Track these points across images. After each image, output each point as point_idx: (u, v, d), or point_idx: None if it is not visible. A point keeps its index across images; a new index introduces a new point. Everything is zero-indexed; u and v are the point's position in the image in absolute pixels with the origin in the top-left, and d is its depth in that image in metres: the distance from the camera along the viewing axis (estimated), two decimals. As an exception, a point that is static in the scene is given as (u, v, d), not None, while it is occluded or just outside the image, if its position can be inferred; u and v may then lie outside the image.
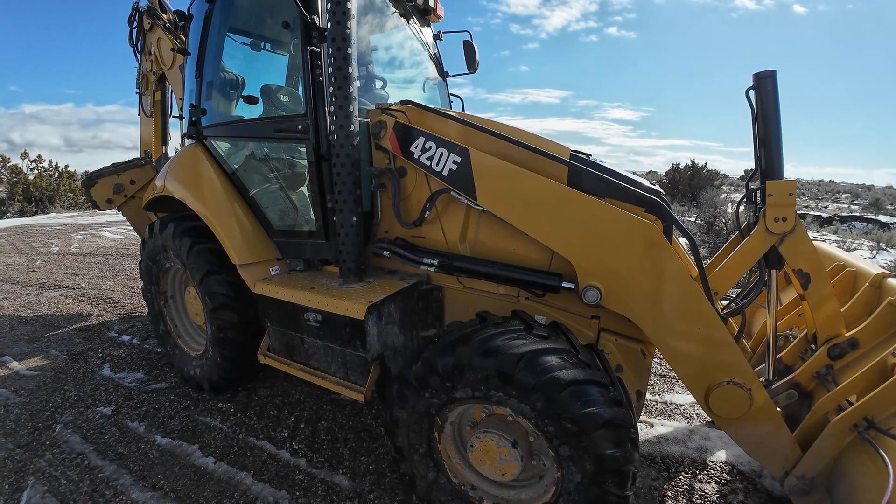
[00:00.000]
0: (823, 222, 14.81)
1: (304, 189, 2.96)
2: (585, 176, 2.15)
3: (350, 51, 2.31)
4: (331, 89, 2.35)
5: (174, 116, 4.38)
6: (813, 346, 2.42)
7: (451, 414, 2.02)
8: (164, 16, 4.59)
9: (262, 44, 3.84)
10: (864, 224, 14.99)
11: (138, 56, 5.03)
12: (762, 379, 2.39)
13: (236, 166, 3.07)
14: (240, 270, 2.82)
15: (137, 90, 5.21)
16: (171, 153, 5.13)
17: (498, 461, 1.86)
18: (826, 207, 19.81)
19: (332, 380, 2.50)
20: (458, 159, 2.30)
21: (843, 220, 15.73)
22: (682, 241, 2.84)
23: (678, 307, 1.96)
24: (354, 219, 2.49)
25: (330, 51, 2.31)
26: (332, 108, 2.37)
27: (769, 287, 2.29)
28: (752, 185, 2.32)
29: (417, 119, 2.52)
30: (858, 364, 2.15)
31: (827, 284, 2.27)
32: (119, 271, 7.19)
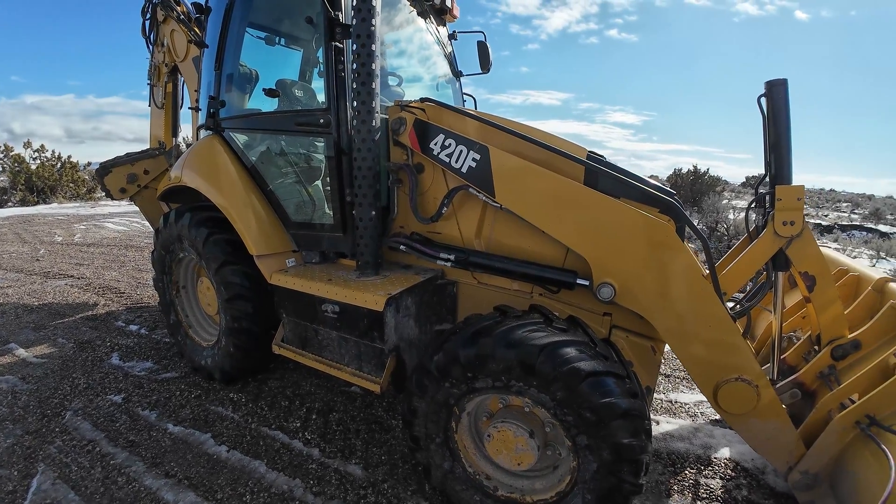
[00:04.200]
0: (824, 230, 14.91)
1: (320, 183, 3.01)
2: (602, 176, 2.21)
3: (374, 48, 2.36)
4: (354, 85, 2.39)
5: (189, 108, 4.40)
6: (816, 347, 2.48)
7: (469, 404, 2.07)
8: (178, 7, 4.62)
9: (278, 39, 3.88)
10: (864, 233, 15.10)
11: (150, 47, 5.05)
12: (767, 378, 2.45)
13: (254, 158, 3.11)
14: (257, 261, 2.86)
15: (149, 81, 5.23)
16: (182, 145, 5.17)
17: (514, 451, 1.91)
18: (827, 216, 19.93)
19: (348, 371, 2.54)
20: (478, 157, 2.35)
21: (843, 228, 15.83)
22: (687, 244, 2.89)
23: (689, 306, 2.02)
24: (373, 213, 2.53)
25: (354, 47, 2.36)
26: (354, 103, 2.41)
27: (775, 289, 2.35)
28: (762, 190, 2.37)
29: (436, 116, 2.57)
30: (861, 365, 2.20)
31: (832, 287, 2.33)
32: (124, 262, 7.20)
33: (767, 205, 2.27)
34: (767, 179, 2.27)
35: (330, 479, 2.49)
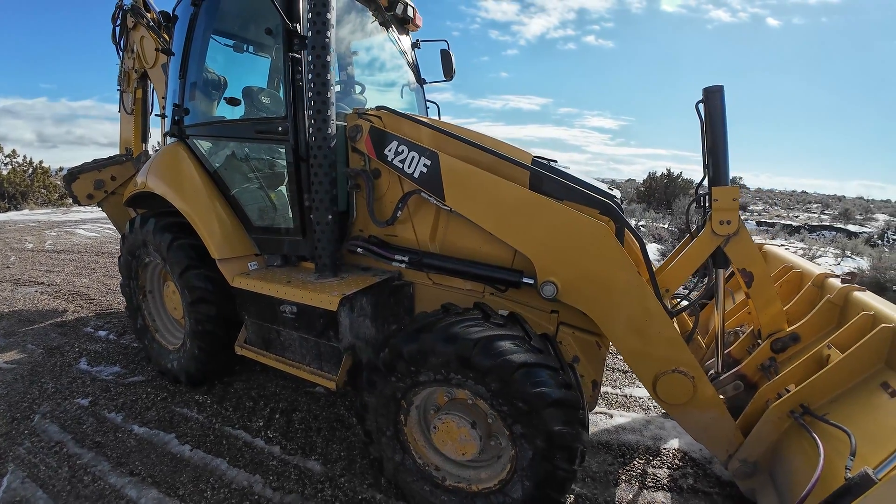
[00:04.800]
0: (792, 231, 15.39)
1: (282, 188, 3.08)
2: (546, 180, 2.33)
3: (329, 59, 2.45)
4: (310, 94, 2.49)
5: (156, 115, 4.44)
6: (759, 340, 2.62)
7: (417, 398, 2.17)
8: (148, 14, 4.66)
9: (246, 46, 3.95)
10: (833, 233, 15.62)
11: (120, 53, 5.07)
12: (712, 372, 2.58)
13: (217, 165, 3.17)
14: (219, 265, 2.92)
15: (119, 87, 5.25)
16: (151, 151, 5.18)
17: (458, 441, 2.01)
18: (797, 217, 20.54)
19: (307, 369, 2.62)
20: (429, 162, 2.45)
21: (812, 229, 16.34)
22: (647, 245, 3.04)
23: (626, 302, 2.13)
24: (330, 217, 2.62)
25: (310, 58, 2.45)
26: (310, 112, 2.50)
27: (716, 285, 2.49)
28: (701, 191, 2.52)
29: (392, 124, 2.67)
30: (799, 356, 2.29)
31: (769, 283, 2.48)
32: (94, 269, 7.14)
33: (706, 205, 2.41)
34: (705, 181, 2.42)
35: (289, 475, 2.56)
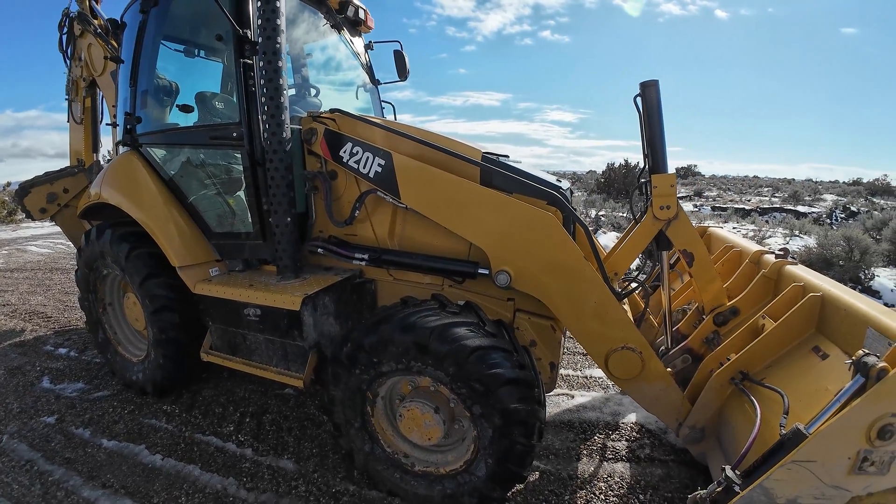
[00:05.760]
0: (744, 214, 16.12)
1: (240, 193, 3.10)
2: (496, 175, 2.45)
3: (280, 64, 2.50)
4: (263, 99, 2.53)
5: (107, 124, 4.35)
6: (703, 316, 2.81)
7: (381, 388, 2.26)
8: (96, 21, 4.55)
9: (197, 51, 3.92)
10: (783, 214, 16.43)
11: (68, 62, 4.93)
12: (662, 348, 2.76)
13: (173, 172, 3.16)
14: (180, 272, 2.92)
15: (67, 96, 5.10)
16: (102, 161, 5.06)
17: (423, 427, 2.11)
18: (749, 200, 21.48)
19: (274, 370, 2.67)
20: (383, 162, 2.54)
21: (763, 212, 17.15)
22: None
23: (575, 287, 2.27)
24: (289, 219, 2.66)
25: (261, 63, 2.49)
26: (264, 117, 2.54)
27: (661, 265, 2.67)
28: (643, 179, 2.69)
29: (346, 126, 2.74)
30: (739, 328, 2.47)
31: (709, 262, 2.66)
32: (49, 286, 6.90)
33: (647, 192, 2.58)
34: (646, 170, 2.59)
35: (262, 475, 2.60)
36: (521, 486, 2.43)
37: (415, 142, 2.57)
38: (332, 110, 2.80)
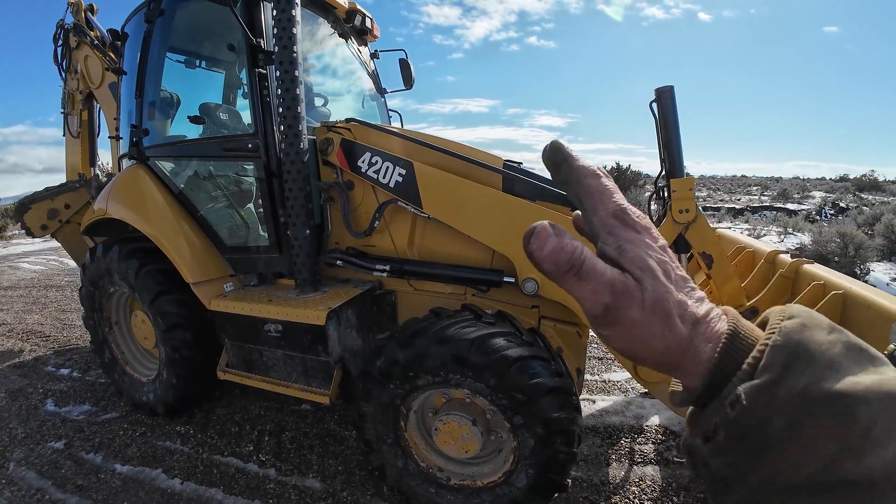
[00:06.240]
0: (737, 213, 16.31)
1: (252, 205, 3.04)
2: (517, 182, 2.43)
3: (297, 73, 2.45)
4: (280, 110, 2.48)
5: (110, 137, 4.25)
6: (722, 317, 2.82)
7: (415, 402, 2.20)
8: (92, 33, 4.47)
9: (198, 62, 3.85)
10: (774, 213, 16.65)
11: (63, 74, 4.83)
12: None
13: (182, 185, 3.09)
14: (194, 289, 2.84)
15: (62, 110, 4.99)
16: (101, 175, 4.95)
17: (460, 440, 2.06)
18: (739, 200, 21.76)
19: (297, 387, 2.59)
20: (404, 171, 2.50)
21: (754, 210, 17.37)
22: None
23: None
24: (308, 231, 2.61)
25: (278, 73, 2.44)
26: (282, 127, 2.49)
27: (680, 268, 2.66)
28: (660, 184, 2.69)
29: (362, 135, 2.69)
30: None
31: (727, 263, 2.67)
32: (45, 304, 6.73)
33: (665, 196, 2.58)
34: (663, 174, 2.59)
35: (289, 496, 2.53)
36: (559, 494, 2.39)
37: (434, 150, 2.54)
38: (349, 120, 2.76)
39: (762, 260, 2.93)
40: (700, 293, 0.40)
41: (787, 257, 2.71)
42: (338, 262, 2.76)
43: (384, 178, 2.55)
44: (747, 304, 2.68)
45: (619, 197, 0.41)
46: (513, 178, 2.43)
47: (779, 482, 0.33)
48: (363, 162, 2.61)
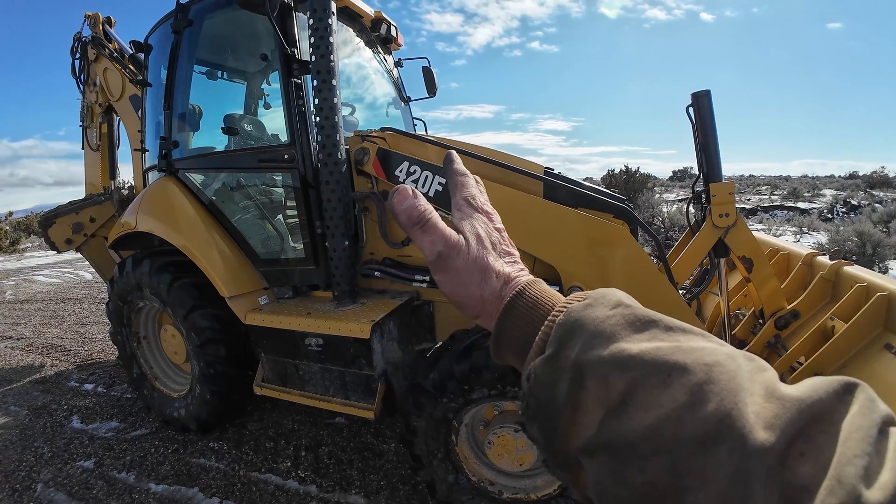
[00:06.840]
0: (749, 213, 16.19)
1: (287, 217, 3.00)
2: (559, 189, 2.39)
3: (335, 82, 2.42)
4: (317, 119, 2.44)
5: (135, 150, 4.23)
6: (761, 320, 2.76)
7: (466, 416, 2.15)
8: (111, 45, 4.47)
9: (220, 73, 3.84)
10: (785, 212, 16.53)
11: (81, 87, 4.83)
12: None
13: (214, 198, 3.06)
14: (229, 303, 2.80)
15: (81, 123, 5.00)
16: (124, 188, 4.93)
17: (515, 452, 2.01)
18: (749, 200, 21.61)
19: (338, 402, 2.54)
20: (444, 181, 2.45)
21: (765, 210, 17.25)
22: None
23: (649, 297, 2.21)
24: (346, 242, 2.57)
25: (315, 83, 2.41)
26: (319, 137, 2.46)
27: (720, 274, 2.62)
28: (698, 188, 2.64)
29: (397, 144, 2.65)
30: (801, 331, 2.46)
31: (767, 266, 2.63)
32: (63, 317, 6.72)
33: (704, 201, 2.54)
34: (702, 178, 2.54)
35: (331, 513, 2.48)
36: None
37: (473, 158, 2.49)
38: (383, 129, 2.72)
39: (799, 262, 2.88)
40: (521, 266, 0.51)
41: (825, 259, 2.66)
42: (376, 273, 2.71)
43: (423, 187, 2.51)
44: (788, 306, 2.63)
45: (474, 191, 0.55)
46: (554, 185, 2.38)
47: (572, 445, 0.36)
48: (401, 171, 2.56)
